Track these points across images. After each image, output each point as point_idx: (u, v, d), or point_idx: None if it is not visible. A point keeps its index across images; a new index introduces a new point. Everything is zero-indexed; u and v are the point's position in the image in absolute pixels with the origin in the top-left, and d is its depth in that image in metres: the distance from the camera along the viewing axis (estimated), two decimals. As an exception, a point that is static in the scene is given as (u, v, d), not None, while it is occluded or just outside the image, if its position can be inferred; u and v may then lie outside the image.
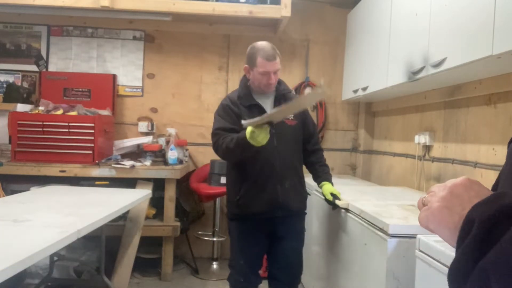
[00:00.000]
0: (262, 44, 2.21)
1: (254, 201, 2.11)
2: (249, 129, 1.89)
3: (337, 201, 2.15)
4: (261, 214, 2.14)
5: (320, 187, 2.27)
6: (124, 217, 3.10)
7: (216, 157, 3.67)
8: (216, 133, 2.16)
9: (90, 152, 3.19)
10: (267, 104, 2.21)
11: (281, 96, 2.24)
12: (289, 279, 2.27)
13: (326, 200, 2.21)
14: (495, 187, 0.62)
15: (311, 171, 2.34)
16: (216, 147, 2.17)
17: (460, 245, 0.46)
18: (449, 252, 1.29)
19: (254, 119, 1.87)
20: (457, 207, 0.50)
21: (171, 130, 3.54)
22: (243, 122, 1.92)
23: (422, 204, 0.57)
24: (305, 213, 2.32)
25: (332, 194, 2.17)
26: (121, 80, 3.80)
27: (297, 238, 2.27)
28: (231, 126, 2.13)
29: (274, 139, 2.13)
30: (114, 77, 3.73)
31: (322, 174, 2.28)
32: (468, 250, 0.44)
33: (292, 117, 2.22)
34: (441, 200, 0.52)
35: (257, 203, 2.11)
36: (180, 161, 3.42)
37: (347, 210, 2.16)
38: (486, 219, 0.44)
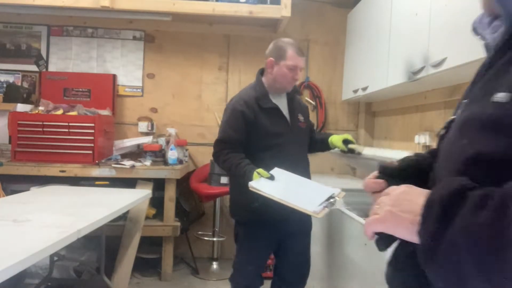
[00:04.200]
0: (290, 39, 2.14)
1: (273, 205, 1.95)
2: (256, 176, 1.86)
3: (350, 146, 2.10)
4: (277, 218, 2.05)
5: (329, 141, 2.22)
6: (124, 217, 3.10)
7: (216, 157, 3.69)
8: (221, 145, 2.07)
9: (90, 152, 3.19)
10: (282, 105, 2.14)
11: (292, 97, 2.20)
12: (297, 279, 2.24)
13: (341, 150, 2.16)
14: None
15: (314, 145, 2.30)
16: (217, 158, 2.11)
17: (424, 227, 0.53)
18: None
19: (262, 190, 1.78)
20: (405, 207, 0.57)
21: (171, 130, 3.54)
22: (251, 184, 1.81)
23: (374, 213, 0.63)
24: None
25: (344, 141, 2.13)
26: (121, 80, 3.80)
27: (306, 236, 2.26)
28: (239, 137, 2.05)
29: (289, 142, 2.09)
30: (114, 77, 3.72)
31: (324, 134, 2.28)
32: (434, 228, 0.51)
33: (303, 119, 2.20)
34: (391, 206, 0.59)
35: (276, 208, 1.94)
36: (180, 161, 3.42)
37: (359, 154, 2.11)
38: (445, 198, 0.51)
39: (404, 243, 0.62)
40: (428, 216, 0.53)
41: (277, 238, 2.16)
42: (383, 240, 0.65)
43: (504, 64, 0.59)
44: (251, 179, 1.86)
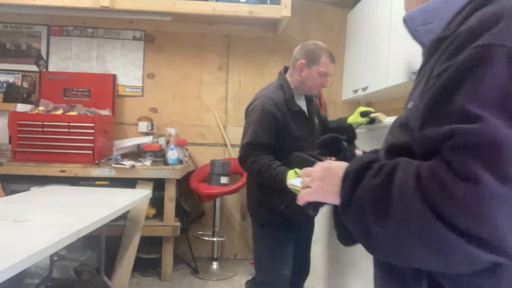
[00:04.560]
0: (322, 44, 2.07)
1: (299, 207, 1.94)
2: (292, 175, 1.76)
3: (372, 115, 2.05)
4: (300, 220, 2.02)
5: (348, 122, 2.16)
6: (124, 217, 3.10)
7: (215, 156, 3.70)
8: (251, 147, 1.94)
9: (90, 152, 3.18)
10: (304, 108, 2.10)
11: (310, 99, 2.16)
12: (298, 278, 2.22)
13: (366, 123, 2.11)
14: None
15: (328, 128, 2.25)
16: (244, 160, 1.96)
17: (342, 191, 0.73)
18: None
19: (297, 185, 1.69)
20: (330, 181, 0.77)
21: (171, 130, 3.54)
22: (291, 182, 1.74)
23: (306, 186, 0.84)
24: None
25: (362, 115, 2.08)
26: (121, 80, 3.79)
27: (310, 237, 2.26)
28: (270, 140, 1.95)
29: (311, 146, 2.05)
30: (114, 77, 3.72)
31: (338, 121, 2.26)
32: (348, 191, 0.71)
33: (318, 122, 2.16)
34: (321, 181, 0.79)
35: (301, 210, 1.94)
36: (180, 161, 3.42)
37: (381, 123, 2.07)
38: (356, 169, 0.71)
39: (336, 209, 0.80)
40: (345, 183, 0.73)
41: (295, 240, 2.13)
42: (313, 207, 0.86)
43: (418, 81, 0.78)
44: (285, 179, 1.80)
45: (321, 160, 0.90)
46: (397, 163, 0.67)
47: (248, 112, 2.06)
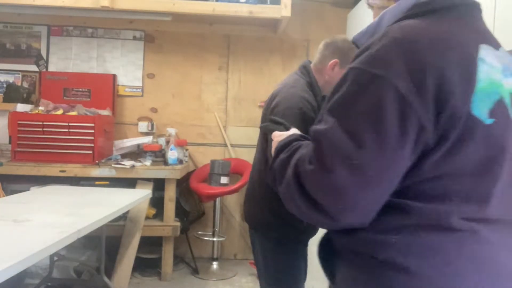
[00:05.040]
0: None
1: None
2: None
3: None
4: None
5: None
6: (124, 217, 3.10)
7: (215, 156, 3.70)
8: None
9: (90, 152, 3.18)
10: None
11: (322, 100, 1.93)
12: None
13: None
14: None
15: None
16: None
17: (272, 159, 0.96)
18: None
19: None
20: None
21: (171, 130, 3.54)
22: None
23: None
24: None
25: None
26: (121, 80, 3.79)
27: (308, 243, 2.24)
28: None
29: None
30: (114, 77, 3.72)
31: None
32: (273, 158, 0.94)
33: None
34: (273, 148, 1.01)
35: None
36: (180, 161, 3.42)
37: None
38: (280, 145, 0.94)
39: None
40: (274, 153, 0.96)
41: None
42: None
43: None
44: None
45: (288, 129, 1.09)
46: (302, 144, 0.89)
47: (274, 113, 1.66)
